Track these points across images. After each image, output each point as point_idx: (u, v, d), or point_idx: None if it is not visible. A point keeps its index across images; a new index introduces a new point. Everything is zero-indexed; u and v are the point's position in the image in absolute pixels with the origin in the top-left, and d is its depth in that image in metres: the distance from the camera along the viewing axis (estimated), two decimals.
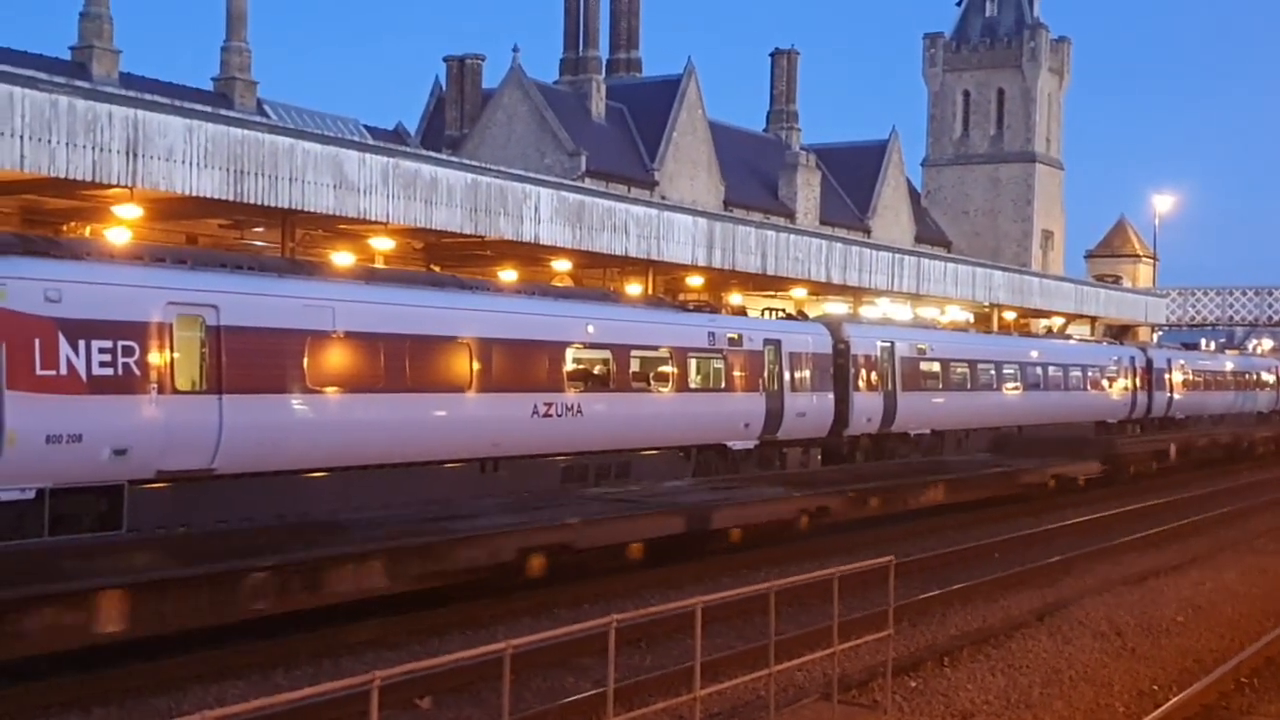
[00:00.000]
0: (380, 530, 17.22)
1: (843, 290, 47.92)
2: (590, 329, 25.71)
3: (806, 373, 31.75)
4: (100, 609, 13.17)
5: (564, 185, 36.10)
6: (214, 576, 14.25)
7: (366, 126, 58.26)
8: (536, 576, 18.14)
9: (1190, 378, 57.77)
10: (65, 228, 28.71)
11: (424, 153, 33.84)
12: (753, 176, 72.78)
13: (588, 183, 49.85)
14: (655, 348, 27.60)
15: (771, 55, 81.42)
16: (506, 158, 56.52)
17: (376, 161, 29.04)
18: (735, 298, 47.27)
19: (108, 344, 17.20)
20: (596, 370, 26.07)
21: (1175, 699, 13.95)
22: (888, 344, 35.97)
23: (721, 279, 43.73)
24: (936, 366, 38.50)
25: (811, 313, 43.03)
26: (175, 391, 18.03)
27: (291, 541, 16.04)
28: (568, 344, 25.00)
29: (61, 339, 16.69)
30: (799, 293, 48.14)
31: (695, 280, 43.06)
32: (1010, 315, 60.25)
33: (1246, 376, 66.07)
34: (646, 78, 73.75)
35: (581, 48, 69.86)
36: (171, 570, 14.33)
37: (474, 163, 35.80)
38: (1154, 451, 41.14)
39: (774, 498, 23.57)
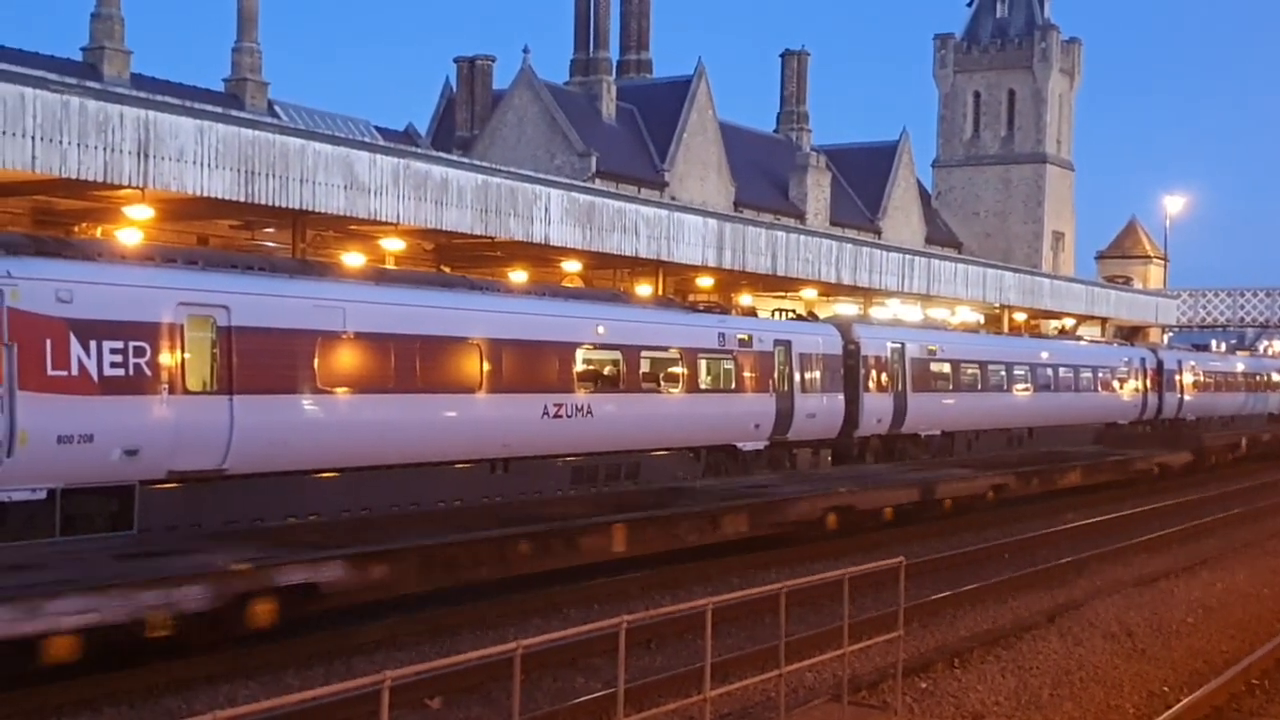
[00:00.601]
0: (712, 496, 23.18)
1: (853, 291, 47.87)
2: (600, 330, 25.72)
3: (816, 374, 31.73)
4: (614, 536, 19.27)
5: (574, 186, 36.09)
6: (671, 517, 20.64)
7: (377, 127, 58.38)
8: (831, 529, 24.36)
9: (1201, 379, 57.62)
10: (76, 228, 28.79)
11: (434, 154, 33.86)
12: (763, 177, 72.79)
13: (598, 183, 49.89)
14: (665, 348, 27.59)
15: (782, 56, 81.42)
16: (517, 159, 56.58)
17: (387, 162, 29.05)
18: (745, 298, 47.24)
19: (119, 344, 17.22)
20: (606, 371, 26.07)
21: (1185, 700, 13.94)
22: (898, 345, 35.94)
23: (731, 280, 43.70)
24: (947, 368, 38.45)
25: (822, 314, 42.95)
26: (186, 392, 18.05)
27: (658, 502, 22.02)
28: (578, 345, 25.00)
29: (73, 339, 16.72)
30: (809, 293, 48.09)
31: (705, 281, 43.03)
32: (1021, 316, 60.17)
33: (1257, 378, 65.90)
34: (657, 79, 73.79)
35: (592, 49, 69.88)
36: (652, 512, 20.76)
37: (484, 164, 35.81)
38: (1230, 444, 48.34)
39: (971, 476, 29.80)
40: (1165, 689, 14.92)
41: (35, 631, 12.45)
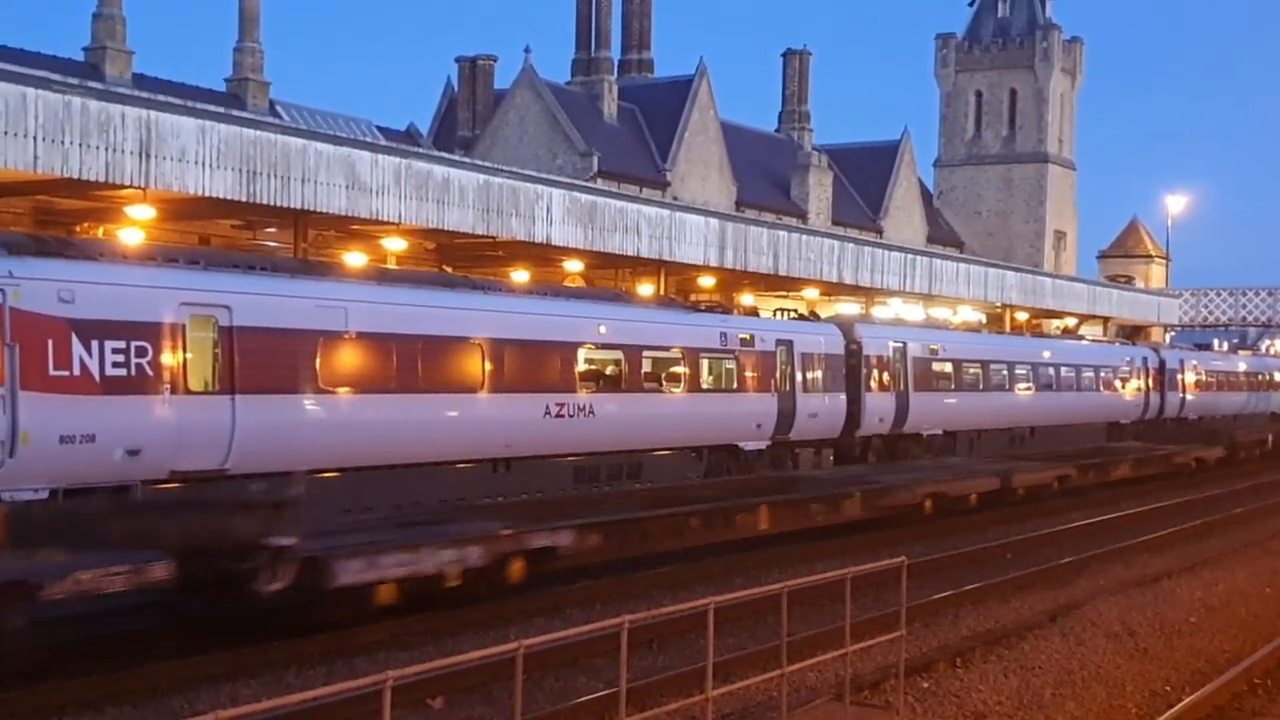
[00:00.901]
0: (822, 484, 26.86)
1: (855, 291, 47.86)
2: (602, 329, 25.71)
3: (818, 373, 31.72)
4: (760, 515, 22.54)
5: (576, 186, 36.09)
6: (803, 500, 24.33)
7: (379, 127, 58.34)
8: (929, 513, 27.51)
9: (1203, 378, 57.59)
10: (78, 228, 28.79)
11: (436, 153, 33.87)
12: (764, 177, 72.75)
13: (599, 183, 49.85)
14: (667, 348, 27.59)
15: (783, 56, 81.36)
16: (518, 158, 56.56)
17: (389, 162, 29.06)
18: (747, 298, 47.23)
19: (121, 344, 17.23)
20: (608, 371, 26.07)
21: (1187, 700, 13.94)
22: (900, 344, 35.92)
23: (733, 279, 43.70)
24: (949, 367, 38.43)
25: (823, 313, 42.96)
26: (188, 392, 18.06)
27: (778, 488, 25.46)
28: (580, 344, 25.00)
29: (75, 339, 16.73)
30: (811, 293, 48.08)
31: (707, 281, 43.03)
32: (1022, 316, 60.15)
33: (1259, 377, 65.86)
34: (658, 78, 73.73)
35: (593, 48, 69.84)
36: (806, 493, 24.91)
37: (486, 163, 35.81)
38: (1258, 440, 52.13)
39: (1040, 468, 32.56)
40: (1167, 688, 14.92)
41: (374, 579, 15.65)
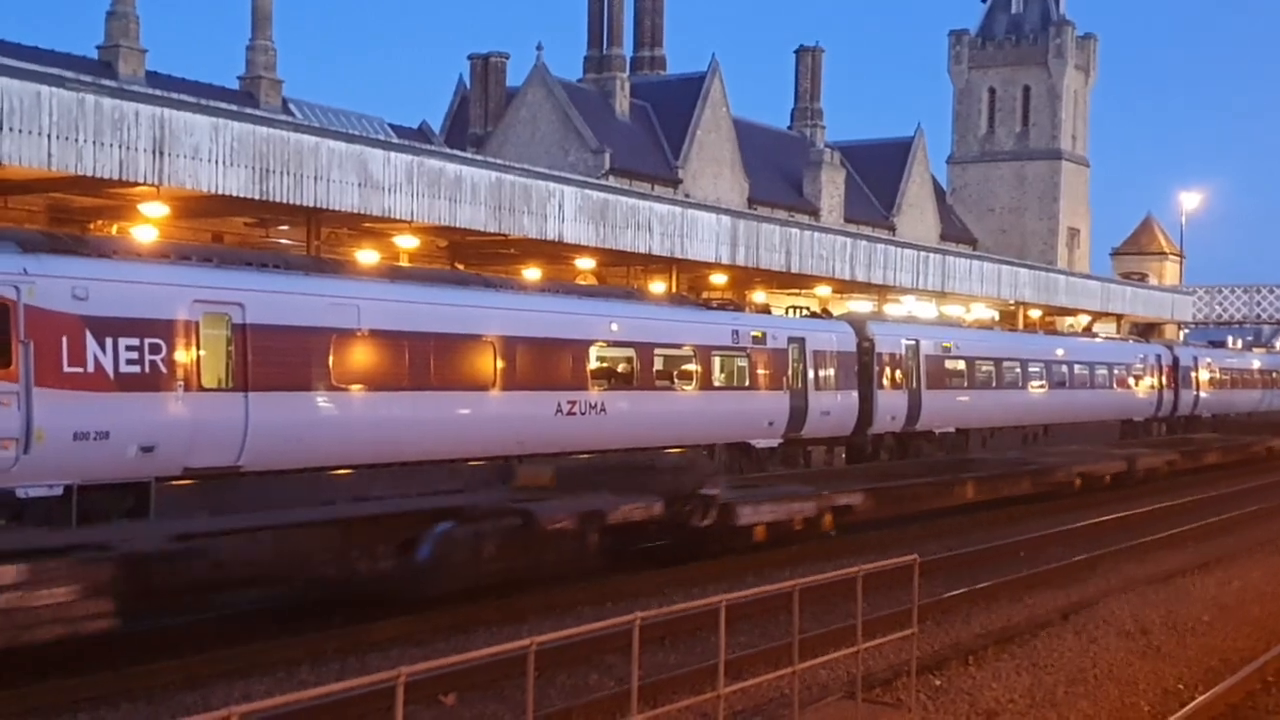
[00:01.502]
0: (996, 466, 31.53)
1: (867, 288, 47.82)
2: (614, 327, 25.71)
3: (830, 371, 31.70)
4: (968, 488, 28.08)
5: (588, 183, 36.11)
6: (993, 476, 29.70)
7: (391, 125, 58.44)
8: (1078, 488, 32.25)
9: (1217, 376, 57.48)
10: (92, 226, 28.89)
11: (448, 151, 33.91)
12: (777, 174, 72.72)
13: (612, 181, 49.89)
14: (679, 346, 27.59)
15: (796, 53, 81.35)
16: (530, 156, 56.61)
17: (401, 160, 29.10)
18: (759, 296, 47.23)
19: (134, 342, 17.26)
20: (620, 368, 26.07)
21: (1201, 698, 13.91)
22: (912, 342, 35.87)
23: (745, 277, 43.70)
24: (961, 365, 38.38)
25: (836, 311, 42.93)
26: (201, 389, 18.09)
27: (961, 468, 30.55)
28: (591, 342, 25.01)
29: (89, 337, 16.76)
30: (823, 291, 48.06)
31: (719, 278, 43.04)
32: (1036, 313, 60.04)
33: (1273, 374, 65.72)
34: (670, 75, 73.76)
35: (605, 46, 69.87)
36: (990, 472, 29.92)
37: (498, 161, 35.86)
38: None
39: (1155, 454, 37.67)
40: (1181, 687, 14.88)
41: (756, 521, 21.38)
